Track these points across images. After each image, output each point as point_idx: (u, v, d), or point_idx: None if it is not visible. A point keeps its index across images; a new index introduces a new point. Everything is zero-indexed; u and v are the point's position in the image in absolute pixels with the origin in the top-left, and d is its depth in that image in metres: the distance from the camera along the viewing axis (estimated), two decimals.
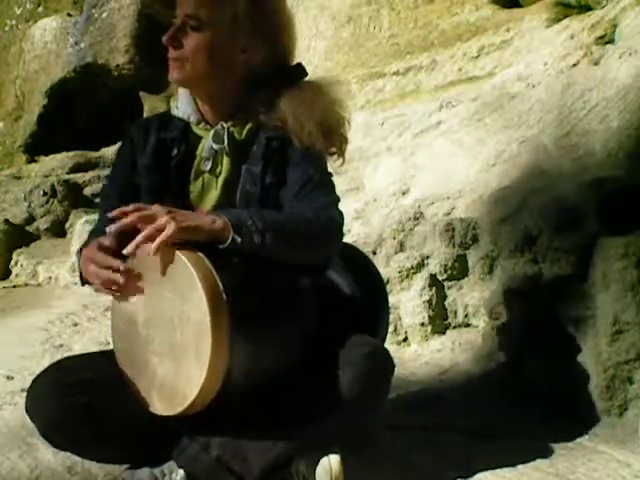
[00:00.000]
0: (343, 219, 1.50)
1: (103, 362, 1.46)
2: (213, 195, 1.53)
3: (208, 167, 1.53)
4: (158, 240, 1.26)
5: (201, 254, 1.29)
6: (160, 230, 1.27)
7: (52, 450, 1.56)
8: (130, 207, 1.32)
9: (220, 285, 1.26)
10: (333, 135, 1.54)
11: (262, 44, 1.53)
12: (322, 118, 1.51)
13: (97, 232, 1.54)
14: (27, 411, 1.45)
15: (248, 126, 1.53)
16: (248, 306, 1.30)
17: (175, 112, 1.58)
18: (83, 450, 1.49)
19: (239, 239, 1.30)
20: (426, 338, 2.40)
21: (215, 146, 1.51)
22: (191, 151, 1.55)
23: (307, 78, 1.58)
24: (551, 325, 1.90)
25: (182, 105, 1.57)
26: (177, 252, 1.28)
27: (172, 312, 1.30)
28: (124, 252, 1.31)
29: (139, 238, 1.27)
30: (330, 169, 1.58)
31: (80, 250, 1.51)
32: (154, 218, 1.28)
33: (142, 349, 1.37)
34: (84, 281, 1.49)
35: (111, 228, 1.32)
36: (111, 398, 1.40)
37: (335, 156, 1.57)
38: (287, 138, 1.51)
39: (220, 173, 1.53)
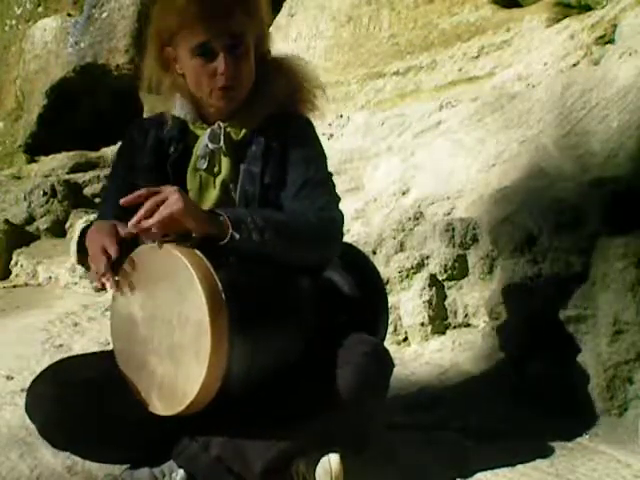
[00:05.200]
0: (343, 220, 1.50)
1: (103, 362, 1.46)
2: (212, 195, 1.52)
3: (204, 166, 1.52)
4: (163, 213, 1.26)
5: (200, 254, 1.29)
6: (168, 205, 1.27)
7: (52, 450, 1.55)
8: (141, 191, 1.31)
9: (219, 284, 1.26)
10: (313, 94, 1.58)
11: (266, 35, 1.56)
12: (301, 82, 1.56)
13: None
14: (27, 411, 1.45)
15: (245, 127, 1.52)
16: (247, 305, 1.30)
17: (172, 111, 1.57)
18: (83, 450, 1.49)
19: (237, 236, 1.30)
20: (426, 338, 2.40)
21: (211, 145, 1.50)
22: (189, 149, 1.54)
23: None
24: (551, 325, 1.90)
25: (179, 103, 1.56)
26: (176, 252, 1.28)
27: (171, 312, 1.30)
28: (128, 224, 1.31)
29: (146, 207, 1.28)
30: (330, 169, 1.58)
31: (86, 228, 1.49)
32: (166, 197, 1.29)
33: (141, 349, 1.37)
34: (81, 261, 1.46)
35: (125, 200, 1.31)
36: (111, 398, 1.40)
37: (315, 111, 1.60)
38: (286, 137, 1.51)
39: (219, 173, 1.52)
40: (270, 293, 1.37)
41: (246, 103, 1.52)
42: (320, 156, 1.56)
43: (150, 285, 1.34)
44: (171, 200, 1.28)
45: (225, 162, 1.52)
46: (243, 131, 1.52)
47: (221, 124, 1.51)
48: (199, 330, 1.24)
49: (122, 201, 1.32)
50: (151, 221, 1.27)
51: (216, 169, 1.52)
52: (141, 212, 1.29)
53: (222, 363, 1.25)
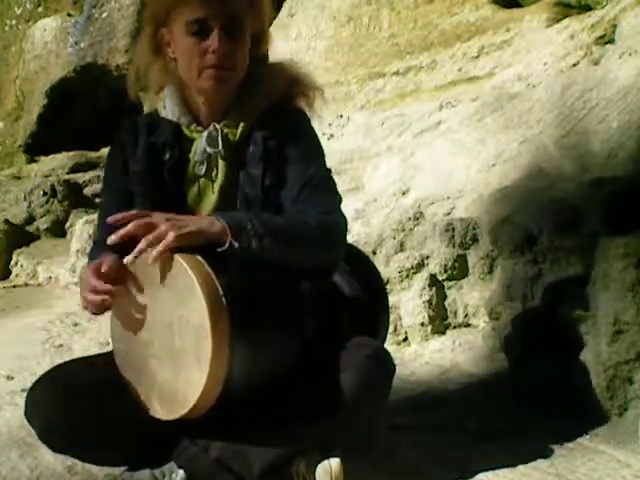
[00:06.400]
0: (346, 223, 1.48)
1: (102, 366, 1.45)
2: (211, 200, 1.50)
3: (203, 171, 1.49)
4: (158, 249, 1.25)
5: (201, 258, 1.28)
6: (160, 238, 1.26)
7: None
8: (129, 214, 1.31)
9: (220, 289, 1.25)
10: (310, 89, 1.56)
11: (266, 34, 1.55)
12: (297, 77, 1.54)
13: (98, 244, 1.54)
14: (26, 416, 1.44)
15: (241, 126, 1.49)
16: (248, 309, 1.29)
17: (163, 113, 1.53)
18: (83, 453, 1.48)
19: (237, 243, 1.29)
20: (426, 338, 2.40)
21: (209, 149, 1.47)
22: (184, 155, 1.51)
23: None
24: (551, 325, 1.90)
25: (170, 106, 1.52)
26: (177, 256, 1.28)
27: (172, 316, 1.29)
28: (124, 261, 1.31)
29: (140, 246, 1.27)
30: (330, 169, 1.57)
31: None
32: (154, 226, 1.28)
33: (142, 353, 1.36)
34: None
35: (112, 239, 1.30)
36: (110, 402, 1.39)
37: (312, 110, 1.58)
38: (283, 133, 1.49)
39: (216, 177, 1.49)
40: (270, 297, 1.36)
41: (239, 99, 1.50)
42: (318, 151, 1.53)
43: (151, 289, 1.34)
44: (162, 232, 1.27)
45: (223, 166, 1.49)
46: (239, 130, 1.49)
47: (217, 126, 1.48)
48: (200, 334, 1.24)
49: (109, 240, 1.30)
50: (151, 257, 1.26)
51: (214, 174, 1.49)
52: (137, 250, 1.27)
53: (223, 367, 1.24)
